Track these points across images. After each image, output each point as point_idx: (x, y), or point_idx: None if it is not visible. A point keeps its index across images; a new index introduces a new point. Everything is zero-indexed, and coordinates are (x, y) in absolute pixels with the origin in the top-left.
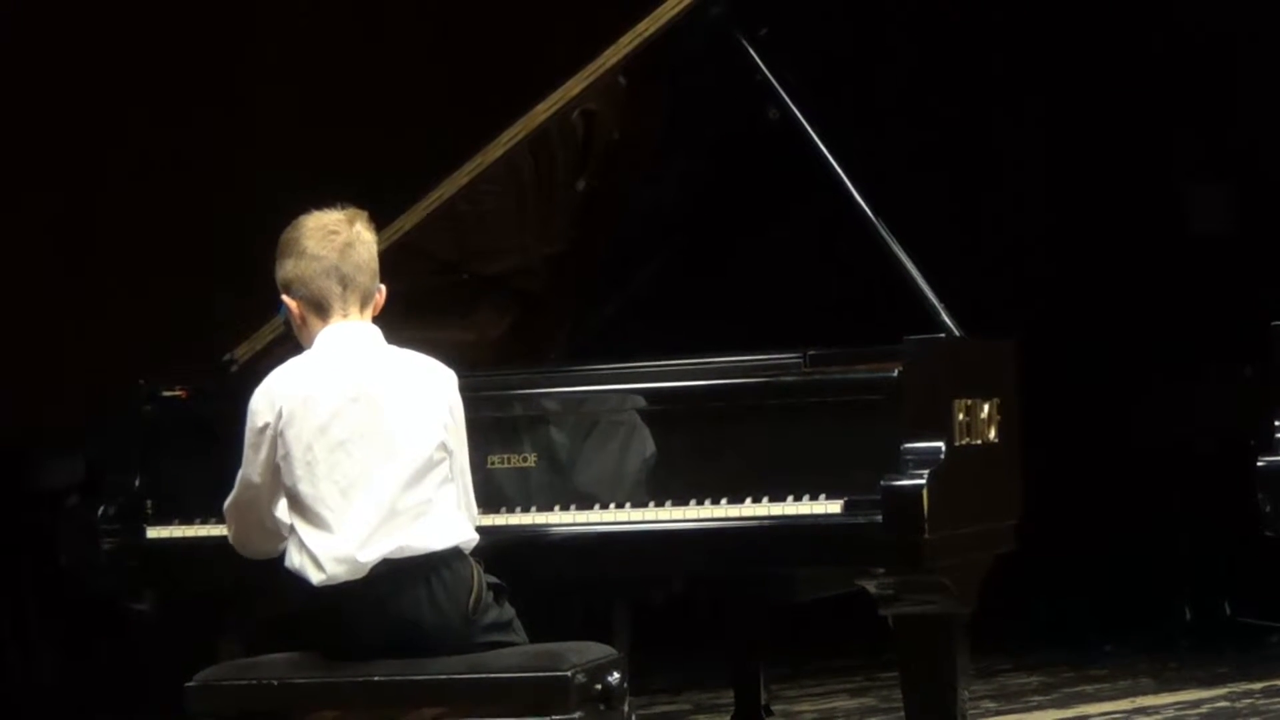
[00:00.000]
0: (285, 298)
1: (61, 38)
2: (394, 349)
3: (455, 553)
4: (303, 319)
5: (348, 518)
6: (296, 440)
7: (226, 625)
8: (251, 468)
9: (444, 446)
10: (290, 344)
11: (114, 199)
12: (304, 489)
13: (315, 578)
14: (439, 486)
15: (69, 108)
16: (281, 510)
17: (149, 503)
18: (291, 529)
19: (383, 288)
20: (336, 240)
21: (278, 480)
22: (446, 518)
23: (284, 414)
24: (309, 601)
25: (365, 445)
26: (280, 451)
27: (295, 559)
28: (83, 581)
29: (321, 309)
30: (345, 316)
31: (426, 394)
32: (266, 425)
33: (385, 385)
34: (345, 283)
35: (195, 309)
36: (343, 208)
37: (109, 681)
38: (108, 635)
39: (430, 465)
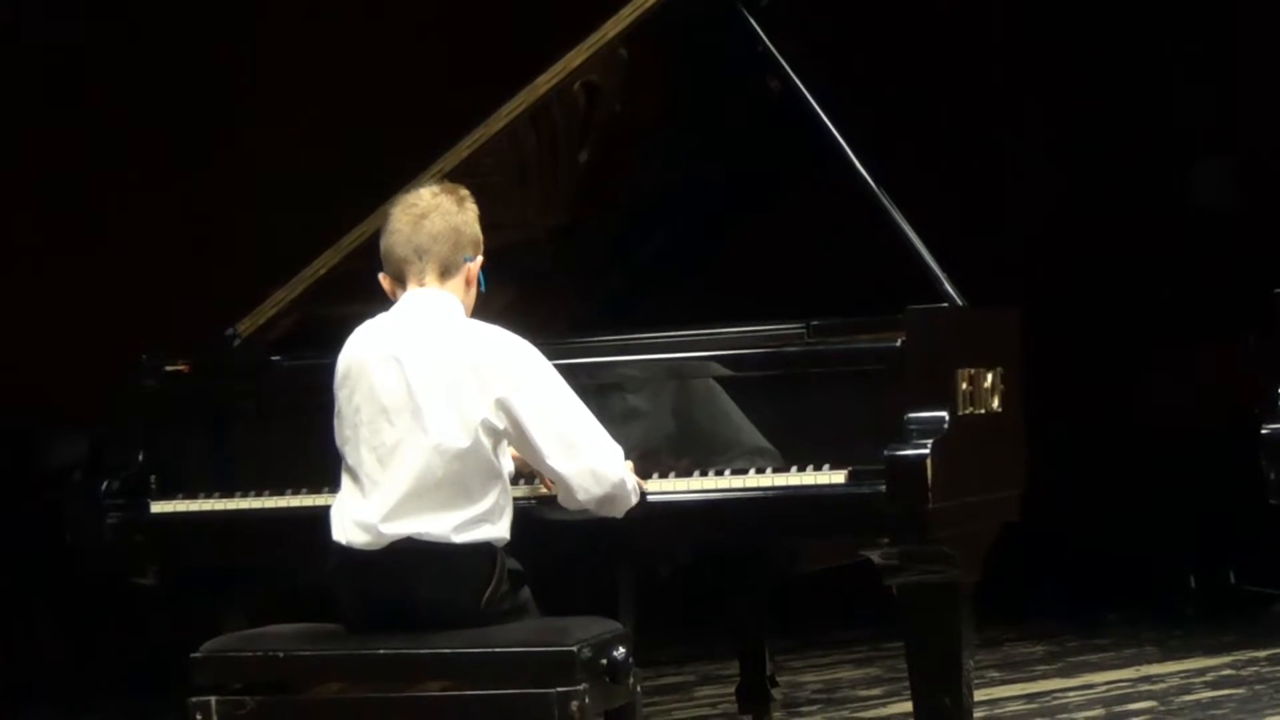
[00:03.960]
0: (380, 275)
1: (66, 30)
2: (469, 322)
3: (482, 547)
4: (392, 292)
5: (381, 486)
6: (348, 401)
7: (231, 598)
8: None
9: (493, 430)
10: (293, 318)
11: (117, 177)
12: (348, 450)
13: (335, 533)
14: (483, 479)
15: (70, 94)
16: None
17: (152, 478)
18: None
19: (476, 259)
20: (413, 212)
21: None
22: (477, 515)
23: (339, 374)
24: (332, 556)
25: (408, 416)
26: (336, 408)
27: (334, 508)
28: (88, 557)
29: (401, 279)
30: (422, 285)
31: (481, 374)
32: (337, 387)
33: (440, 358)
34: (420, 253)
35: (197, 283)
36: (440, 183)
37: (115, 656)
38: (113, 610)
39: (473, 452)
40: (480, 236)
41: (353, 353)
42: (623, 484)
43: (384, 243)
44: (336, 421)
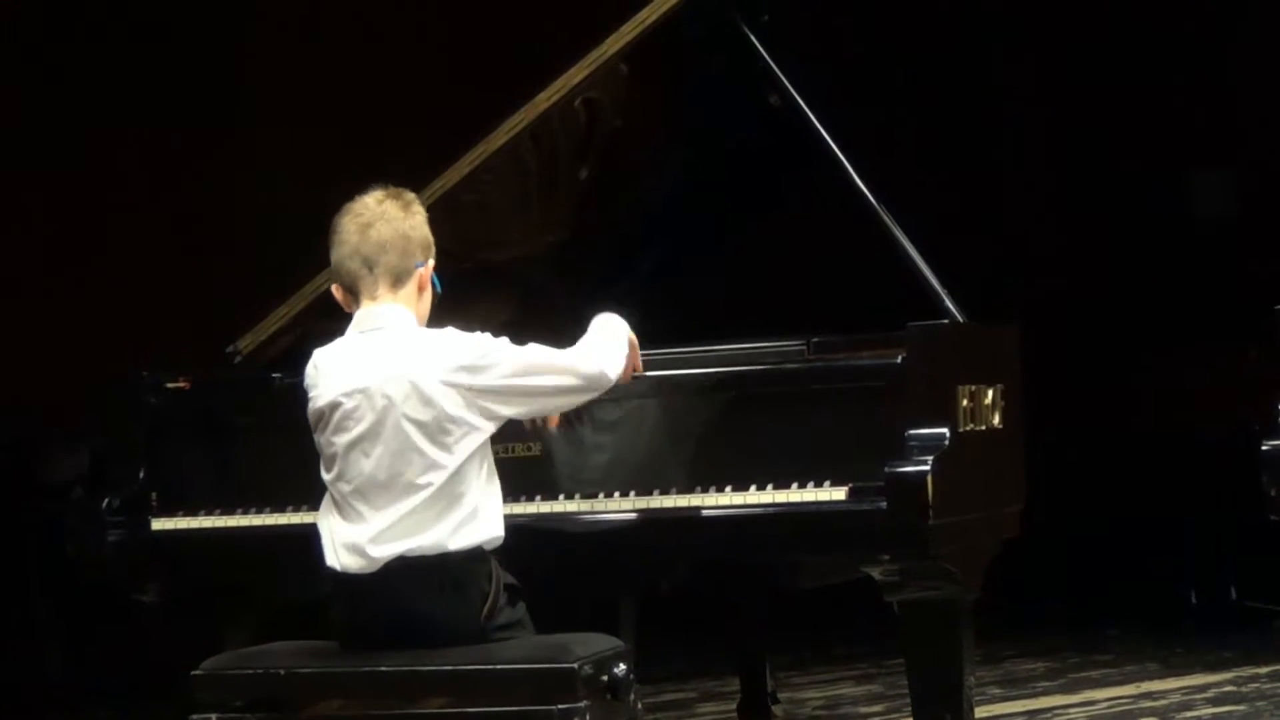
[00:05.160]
0: (332, 285)
1: (70, 33)
2: (424, 335)
3: (475, 554)
4: (346, 303)
5: (366, 516)
6: (322, 433)
7: (232, 615)
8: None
9: (471, 428)
10: (292, 336)
11: (118, 191)
12: (329, 479)
13: (328, 559)
14: (469, 484)
15: (75, 100)
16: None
17: (153, 494)
18: (324, 499)
19: (427, 264)
20: (359, 221)
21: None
22: (470, 516)
23: (312, 410)
24: (324, 583)
25: (381, 448)
26: (315, 439)
27: (321, 525)
28: (88, 573)
29: (354, 292)
30: (375, 299)
31: (442, 380)
32: (308, 412)
33: (401, 387)
34: (369, 264)
35: (199, 301)
36: (385, 188)
37: (115, 672)
38: (113, 626)
39: (458, 472)
40: (430, 239)
41: (320, 389)
42: (601, 369)
43: (334, 254)
44: (319, 451)
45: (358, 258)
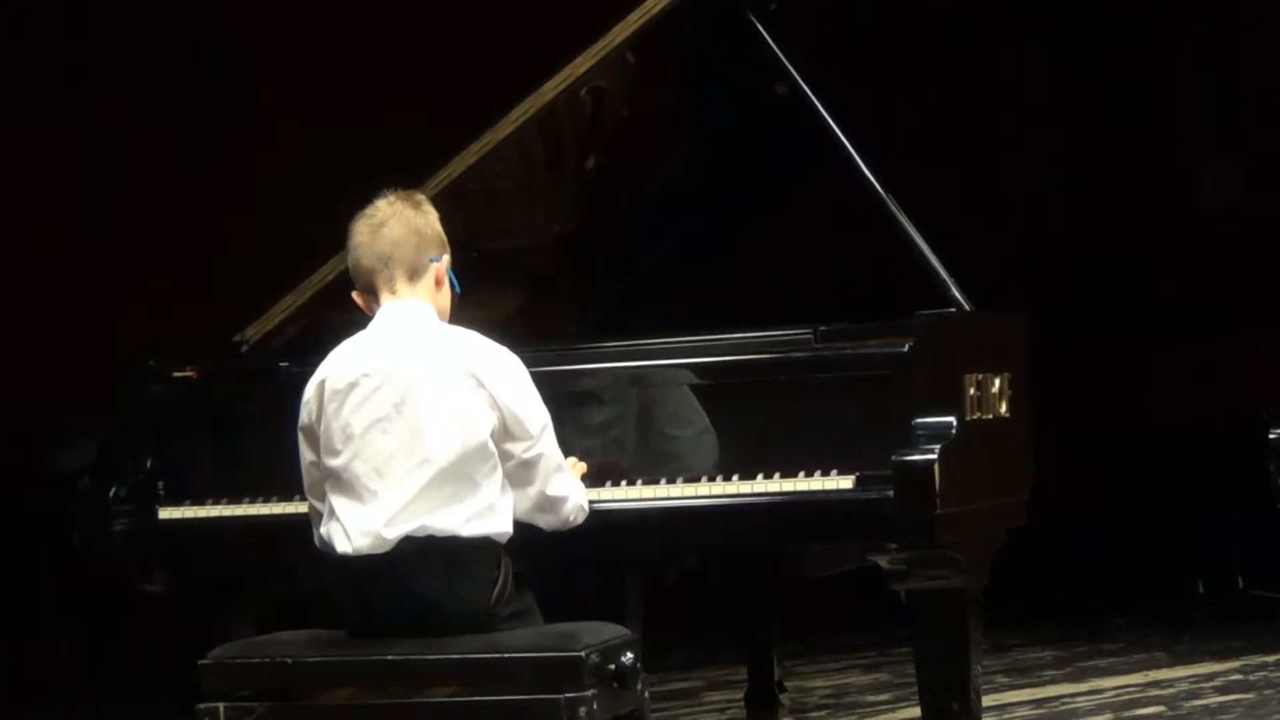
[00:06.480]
0: (353, 293)
1: (76, 31)
2: (447, 328)
3: (484, 543)
4: (367, 307)
5: (381, 494)
6: (335, 416)
7: (239, 605)
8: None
9: (486, 431)
10: (300, 325)
11: (118, 177)
12: (341, 464)
13: (341, 547)
14: (485, 475)
15: (84, 96)
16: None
17: (160, 484)
18: (327, 502)
19: (442, 259)
20: (372, 222)
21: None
22: (483, 507)
23: (325, 390)
24: (333, 571)
25: (402, 425)
26: (322, 425)
27: (324, 529)
28: (96, 563)
29: (372, 291)
30: (394, 294)
31: (467, 379)
32: (308, 400)
33: (424, 368)
34: (385, 260)
35: (205, 290)
36: (395, 191)
37: (123, 661)
38: (121, 616)
39: (471, 452)
40: (444, 237)
41: (336, 371)
42: (580, 507)
43: (350, 259)
44: (323, 436)
45: (372, 255)
